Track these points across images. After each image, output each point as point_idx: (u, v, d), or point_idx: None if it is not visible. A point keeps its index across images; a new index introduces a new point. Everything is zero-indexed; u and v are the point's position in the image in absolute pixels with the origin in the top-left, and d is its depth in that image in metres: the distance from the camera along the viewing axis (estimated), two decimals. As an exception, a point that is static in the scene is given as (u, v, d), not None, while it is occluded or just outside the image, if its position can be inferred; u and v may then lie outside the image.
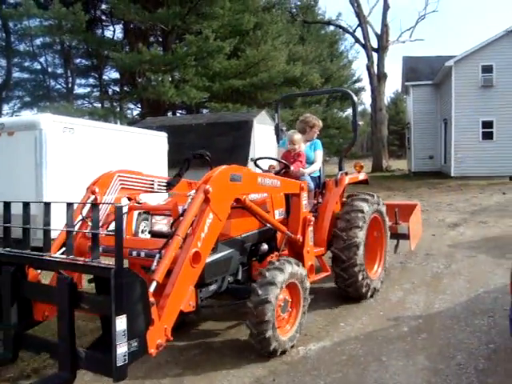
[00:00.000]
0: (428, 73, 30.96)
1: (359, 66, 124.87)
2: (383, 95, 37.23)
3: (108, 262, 3.22)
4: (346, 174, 6.46)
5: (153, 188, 5.12)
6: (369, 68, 37.34)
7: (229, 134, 16.45)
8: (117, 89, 35.71)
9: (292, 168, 5.70)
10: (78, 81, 36.08)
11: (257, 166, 6.06)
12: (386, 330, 5.27)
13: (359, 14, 37.63)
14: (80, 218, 4.19)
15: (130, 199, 4.86)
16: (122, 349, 2.94)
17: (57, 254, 3.78)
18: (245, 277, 4.90)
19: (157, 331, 3.26)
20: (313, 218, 5.44)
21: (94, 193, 4.42)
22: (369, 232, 6.15)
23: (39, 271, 3.94)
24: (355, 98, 6.70)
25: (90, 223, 3.90)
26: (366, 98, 55.41)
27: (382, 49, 37.20)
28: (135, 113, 32.59)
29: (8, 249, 3.76)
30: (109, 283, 2.91)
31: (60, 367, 3.24)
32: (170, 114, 29.56)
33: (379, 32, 37.50)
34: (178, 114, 29.87)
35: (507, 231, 10.89)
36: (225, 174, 4.02)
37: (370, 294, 6.18)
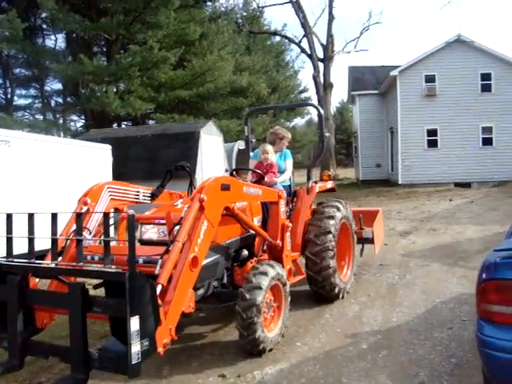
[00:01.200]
0: (373, 82, 31.43)
1: (305, 76, 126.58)
2: (329, 105, 37.40)
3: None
4: (316, 182, 6.83)
5: (138, 198, 5.30)
6: (315, 78, 37.46)
7: (175, 146, 15.99)
8: (60, 100, 34.59)
9: (266, 178, 5.97)
10: (18, 91, 34.72)
11: (233, 176, 6.15)
12: (345, 348, 5.01)
13: (305, 24, 37.77)
14: (74, 228, 4.21)
15: (117, 210, 5.02)
16: (135, 347, 3.15)
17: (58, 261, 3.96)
18: (229, 281, 5.18)
19: (164, 331, 3.49)
20: (290, 224, 5.76)
21: (85, 204, 4.57)
22: (338, 237, 6.43)
23: (37, 280, 4.21)
24: (322, 111, 7.10)
25: (84, 233, 4.18)
26: (312, 108, 56.10)
27: (327, 59, 37.44)
28: (79, 125, 31.68)
29: (10, 259, 3.92)
30: (123, 287, 3.10)
31: (73, 369, 3.38)
32: (115, 125, 28.85)
33: (325, 42, 37.80)
34: (123, 126, 29.14)
35: (456, 238, 10.92)
36: (216, 184, 4.31)
37: (341, 295, 6.49)
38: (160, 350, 3.44)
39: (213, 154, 16.97)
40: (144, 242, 4.81)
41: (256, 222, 5.53)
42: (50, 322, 4.20)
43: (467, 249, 9.71)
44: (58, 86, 32.92)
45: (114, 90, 22.43)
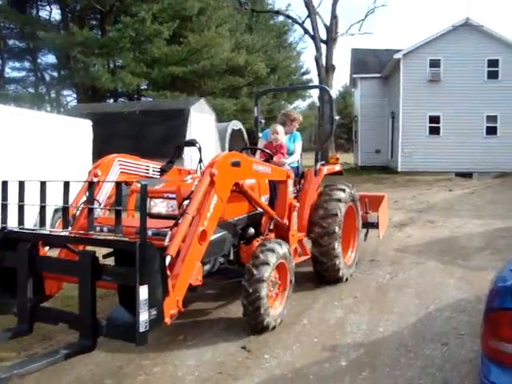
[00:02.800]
0: (376, 66, 30.50)
1: (307, 59, 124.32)
2: (331, 88, 36.51)
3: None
4: (324, 165, 6.82)
5: (148, 173, 5.36)
6: (317, 60, 36.38)
7: (163, 123, 15.15)
8: (55, 74, 33.48)
9: (274, 158, 5.97)
10: (11, 64, 33.61)
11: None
12: (320, 365, 4.26)
13: (308, 4, 36.58)
14: (84, 198, 4.40)
15: (127, 183, 4.89)
16: (143, 316, 3.18)
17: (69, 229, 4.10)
18: (235, 259, 5.26)
19: (171, 302, 3.54)
20: (297, 204, 5.81)
21: (96, 175, 4.62)
22: (344, 220, 6.41)
23: (47, 248, 4.25)
24: (332, 93, 7.32)
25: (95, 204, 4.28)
26: (314, 91, 55.12)
27: (330, 40, 36.32)
28: (70, 99, 30.63)
29: (21, 226, 3.96)
30: (133, 256, 3.14)
31: (81, 335, 3.44)
32: (111, 101, 27.98)
33: (328, 23, 36.75)
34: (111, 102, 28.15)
35: (455, 232, 10.17)
36: (227, 159, 4.34)
37: (345, 278, 6.53)
38: (167, 320, 3.49)
39: (204, 133, 16.13)
40: (152, 216, 4.75)
41: (263, 200, 5.49)
42: (57, 291, 4.33)
43: (466, 245, 8.97)
44: (53, 59, 31.85)
45: (105, 63, 21.43)
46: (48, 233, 3.99)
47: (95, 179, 4.55)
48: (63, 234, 3.97)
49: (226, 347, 4.62)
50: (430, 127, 24.84)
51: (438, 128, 24.78)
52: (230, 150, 20.27)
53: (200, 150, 5.64)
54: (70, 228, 4.14)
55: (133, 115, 15.92)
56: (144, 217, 3.27)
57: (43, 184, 3.97)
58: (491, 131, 24.56)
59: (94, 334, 3.42)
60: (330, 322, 5.27)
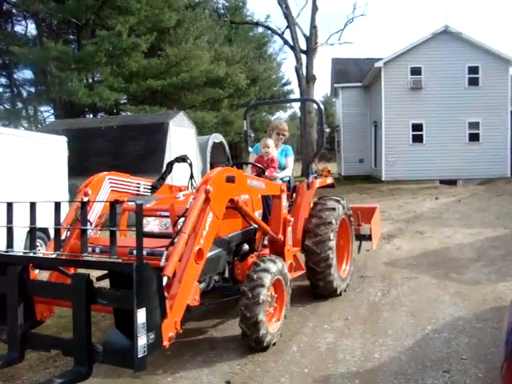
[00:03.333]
0: (357, 75, 30.39)
1: (287, 69, 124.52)
2: (313, 97, 36.37)
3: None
4: (316, 177, 6.75)
5: (139, 191, 5.30)
6: (297, 70, 36.31)
7: (142, 138, 14.74)
8: (32, 90, 32.85)
9: (266, 173, 5.94)
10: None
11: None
12: (313, 401, 3.87)
13: (288, 15, 36.59)
14: (75, 219, 4.37)
15: (118, 202, 4.53)
16: (142, 340, 3.06)
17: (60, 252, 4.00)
18: (229, 275, 5.20)
19: (169, 324, 3.44)
20: (292, 219, 5.70)
21: (86, 194, 4.54)
22: (338, 232, 6.41)
23: (37, 271, 4.11)
24: (322, 106, 7.06)
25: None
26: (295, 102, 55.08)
27: (310, 51, 36.29)
28: (47, 115, 29.96)
29: (10, 249, 3.87)
30: (130, 278, 3.01)
31: (76, 362, 3.29)
32: (90, 117, 27.34)
33: (308, 34, 36.69)
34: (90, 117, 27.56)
35: (445, 243, 9.87)
36: (222, 175, 4.27)
37: (339, 291, 6.41)
38: (165, 343, 3.41)
39: (184, 147, 15.70)
40: (145, 235, 4.35)
41: (257, 215, 5.42)
42: (49, 315, 4.19)
43: (458, 256, 8.65)
44: (30, 74, 31.24)
45: (82, 78, 20.94)
46: (39, 256, 3.86)
47: (85, 198, 4.45)
48: (55, 256, 3.85)
49: (210, 382, 4.22)
50: (413, 135, 24.67)
51: (421, 136, 24.63)
52: (211, 164, 20.19)
53: (191, 165, 5.68)
54: (61, 250, 4.04)
55: (110, 130, 15.46)
56: (140, 237, 3.17)
57: (33, 205, 3.83)
58: (474, 138, 24.45)
59: (89, 360, 3.28)
60: (320, 349, 4.88)
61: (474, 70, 24.23)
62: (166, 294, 3.41)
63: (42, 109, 29.79)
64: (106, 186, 4.81)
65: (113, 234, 3.45)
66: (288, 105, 53.11)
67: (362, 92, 30.11)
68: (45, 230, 9.47)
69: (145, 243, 3.97)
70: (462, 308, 5.89)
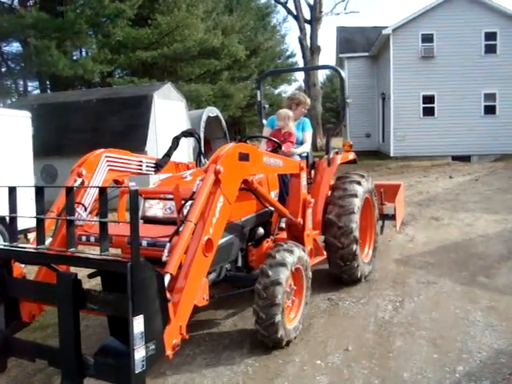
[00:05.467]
0: (364, 44, 28.61)
1: (292, 41, 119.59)
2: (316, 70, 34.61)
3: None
4: (337, 153, 6.21)
5: (141, 169, 4.86)
6: (301, 41, 34.52)
7: (123, 113, 13.19)
8: (20, 63, 31.19)
9: (283, 148, 5.35)
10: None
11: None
12: None
13: (291, -18, 34.73)
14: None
15: (117, 182, 4.59)
16: (139, 353, 2.66)
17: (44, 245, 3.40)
18: (242, 262, 4.69)
19: (173, 330, 2.99)
20: (312, 200, 5.20)
21: (80, 175, 4.09)
22: (361, 212, 5.81)
23: (23, 266, 3.63)
24: (343, 74, 6.48)
25: (78, 210, 3.84)
26: (299, 74, 53.02)
27: (315, 20, 34.44)
28: (33, 90, 28.23)
29: None
30: (124, 279, 2.62)
31: (64, 376, 2.96)
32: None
33: (312, 2, 34.79)
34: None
35: (467, 233, 8.36)
36: (234, 153, 3.76)
37: (360, 274, 5.79)
38: (169, 353, 2.94)
39: (172, 122, 14.18)
40: (147, 220, 4.24)
41: (273, 196, 4.94)
42: (39, 314, 3.72)
43: (485, 252, 7.15)
44: (18, 47, 29.51)
45: (65, 49, 19.25)
46: (20, 249, 3.34)
47: (79, 180, 4.05)
48: (38, 250, 3.24)
49: None
50: (424, 108, 22.95)
51: (433, 108, 22.91)
52: (207, 140, 18.71)
53: (199, 140, 5.31)
54: (46, 243, 3.46)
55: (90, 104, 13.96)
56: (136, 230, 2.71)
57: (12, 190, 3.33)
58: (490, 110, 22.70)
59: (79, 374, 2.89)
60: (308, 407, 3.44)
61: (491, 36, 22.32)
62: (168, 295, 2.93)
63: (31, 84, 28.10)
64: (103, 164, 4.33)
65: (103, 227, 2.93)
66: (293, 77, 51.02)
67: (369, 62, 28.31)
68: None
69: (146, 231, 3.67)
70: (502, 333, 4.41)
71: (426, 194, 12.99)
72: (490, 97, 22.64)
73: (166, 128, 13.53)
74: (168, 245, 3.30)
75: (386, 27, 23.50)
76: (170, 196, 4.03)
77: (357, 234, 5.56)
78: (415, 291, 5.63)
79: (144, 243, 3.54)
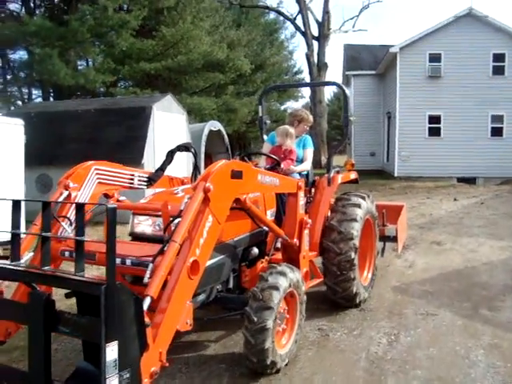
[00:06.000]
0: (371, 62, 28.40)
1: (299, 57, 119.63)
2: (323, 87, 34.42)
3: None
4: (338, 172, 6.05)
5: (133, 183, 4.69)
6: (308, 57, 34.43)
7: (121, 123, 12.91)
8: (26, 71, 31.10)
9: (282, 165, 5.27)
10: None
11: (244, 162, 5.14)
12: None
13: (300, -1, 34.66)
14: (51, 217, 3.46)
15: (107, 196, 4.43)
16: (112, 383, 2.48)
17: (23, 260, 3.42)
18: (235, 283, 4.50)
19: (151, 357, 2.80)
20: (309, 220, 5.04)
21: (67, 188, 3.96)
22: (361, 234, 5.62)
23: (5, 283, 3.55)
24: (347, 92, 6.37)
25: (63, 224, 3.76)
26: (306, 91, 52.95)
27: (322, 37, 34.39)
28: (36, 99, 28.07)
29: None
30: (98, 302, 2.45)
31: None
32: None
33: (320, 19, 34.70)
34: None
35: (470, 260, 7.96)
36: (226, 170, 3.57)
37: (358, 299, 5.62)
38: (146, 381, 2.74)
39: (171, 134, 13.90)
40: (136, 237, 4.08)
41: (269, 215, 4.87)
42: (16, 330, 3.51)
43: (489, 282, 6.75)
44: (24, 55, 29.40)
45: (69, 58, 19.05)
46: None
47: (65, 192, 3.92)
48: (12, 266, 3.06)
49: None
50: (430, 128, 22.65)
51: (439, 129, 22.60)
52: (208, 154, 18.42)
53: (195, 155, 5.12)
54: (29, 256, 3.53)
55: (88, 114, 13.68)
56: (112, 251, 2.51)
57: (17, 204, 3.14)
58: (497, 132, 22.39)
59: None
60: None
61: (499, 57, 22.09)
62: (147, 320, 2.74)
63: (35, 92, 27.97)
64: (93, 177, 4.19)
65: (79, 246, 2.79)
66: (300, 94, 50.93)
67: (375, 80, 28.09)
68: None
69: (133, 249, 3.57)
70: (506, 376, 4.02)
71: (429, 216, 12.60)
72: (498, 119, 22.34)
73: (165, 141, 13.23)
74: (151, 265, 3.13)
75: (394, 45, 23.28)
76: (160, 212, 3.84)
77: (356, 242, 5.39)
78: (412, 323, 5.24)
79: (128, 262, 3.44)
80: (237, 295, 4.54)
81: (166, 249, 3.12)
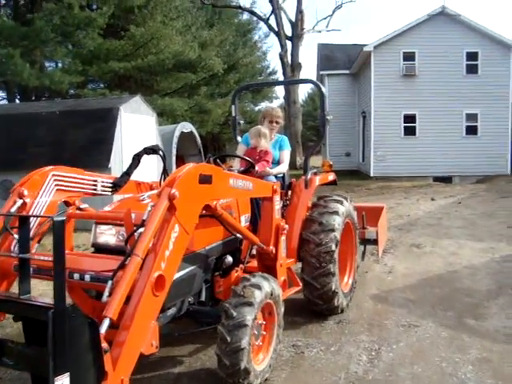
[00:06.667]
0: (345, 62, 28.19)
1: (273, 58, 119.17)
2: (297, 87, 34.13)
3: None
4: (316, 174, 5.74)
5: (96, 190, 4.33)
6: (282, 57, 34.10)
7: (87, 126, 12.29)
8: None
9: (257, 168, 4.97)
10: None
11: (217, 164, 4.95)
12: None
13: (273, -1, 34.33)
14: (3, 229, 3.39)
15: (68, 204, 4.07)
16: None
17: None
18: (207, 295, 4.15)
19: None
20: (286, 226, 4.72)
21: (21, 196, 3.61)
22: (341, 239, 5.29)
23: None
24: (323, 89, 6.11)
25: (16, 236, 3.29)
26: (280, 91, 52.70)
27: (296, 37, 34.13)
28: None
29: None
30: (46, 329, 2.20)
31: None
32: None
33: (294, 19, 34.43)
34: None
35: (452, 264, 7.63)
36: (194, 174, 3.24)
37: (340, 308, 5.37)
38: None
39: (140, 137, 13.37)
40: (99, 248, 3.75)
41: (243, 221, 4.63)
42: None
43: (472, 287, 6.41)
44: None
45: (33, 58, 18.35)
46: None
47: (19, 201, 3.57)
48: None
49: None
50: (405, 127, 22.52)
51: (414, 128, 22.48)
52: (179, 157, 17.94)
53: (164, 158, 4.79)
54: None
55: (52, 117, 13.06)
56: (60, 270, 2.26)
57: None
58: (471, 131, 22.36)
59: None
60: None
61: (472, 56, 22.06)
62: (105, 345, 2.45)
63: (2, 94, 27.08)
64: (50, 184, 3.85)
65: (23, 265, 2.63)
66: (274, 95, 50.64)
67: (349, 80, 27.89)
68: None
69: (93, 263, 3.33)
70: (498, 397, 3.66)
71: (407, 217, 12.31)
72: (472, 117, 22.31)
73: (134, 144, 12.69)
74: (110, 282, 2.81)
75: (368, 44, 23.08)
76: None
77: (338, 235, 5.13)
78: (394, 337, 4.86)
79: (87, 278, 3.14)
80: (210, 308, 4.23)
81: (127, 263, 2.83)
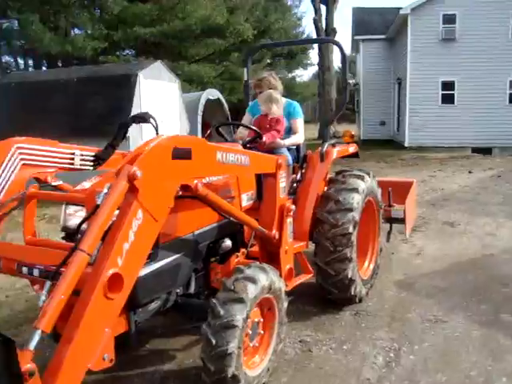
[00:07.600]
0: (381, 26, 26.86)
1: (307, 23, 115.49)
2: (332, 53, 32.89)
3: None
4: (334, 145, 5.16)
5: (73, 164, 3.77)
6: (316, 22, 32.82)
7: (105, 94, 11.83)
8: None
9: (264, 138, 4.30)
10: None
11: (220, 134, 4.74)
12: None
13: (306, -40, 33.08)
14: None
15: (39, 181, 3.58)
16: None
17: None
18: (200, 284, 3.65)
19: None
20: (293, 207, 4.08)
21: None
22: (361, 220, 4.71)
23: None
24: (345, 50, 5.34)
25: None
26: (314, 57, 51.19)
27: (330, 1, 32.89)
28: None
29: None
30: None
31: None
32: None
33: (328, -18, 33.10)
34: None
35: (488, 246, 6.92)
36: (164, 149, 2.61)
37: (358, 298, 4.78)
38: None
39: (162, 105, 12.88)
40: (68, 232, 3.23)
41: (246, 200, 3.99)
42: None
43: (510, 274, 5.72)
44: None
45: (55, 22, 17.91)
46: None
47: None
48: None
49: None
50: (443, 95, 21.36)
51: (453, 96, 21.30)
52: (203, 125, 17.40)
53: (156, 127, 4.01)
54: None
55: (70, 84, 12.65)
56: None
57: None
58: (515, 99, 21.05)
59: None
60: None
61: (520, 17, 20.59)
62: (30, 367, 1.93)
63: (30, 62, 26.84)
64: (15, 158, 3.37)
65: None
66: (309, 61, 49.22)
67: (385, 45, 26.65)
68: None
69: (45, 255, 2.91)
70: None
71: (441, 191, 11.52)
72: (517, 84, 20.97)
73: (155, 111, 12.18)
74: (48, 283, 2.32)
75: (404, 7, 21.83)
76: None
77: (356, 215, 4.57)
78: (417, 335, 4.24)
79: (36, 272, 2.82)
80: (201, 301, 3.72)
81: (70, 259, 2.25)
